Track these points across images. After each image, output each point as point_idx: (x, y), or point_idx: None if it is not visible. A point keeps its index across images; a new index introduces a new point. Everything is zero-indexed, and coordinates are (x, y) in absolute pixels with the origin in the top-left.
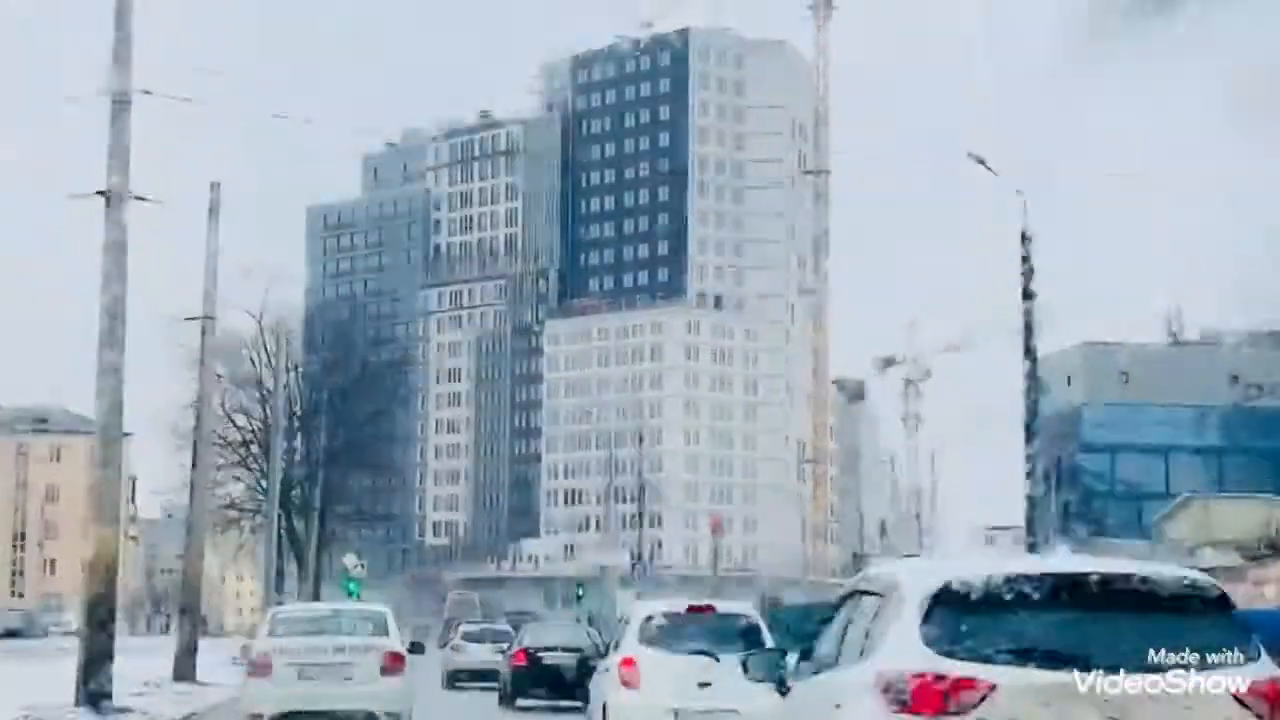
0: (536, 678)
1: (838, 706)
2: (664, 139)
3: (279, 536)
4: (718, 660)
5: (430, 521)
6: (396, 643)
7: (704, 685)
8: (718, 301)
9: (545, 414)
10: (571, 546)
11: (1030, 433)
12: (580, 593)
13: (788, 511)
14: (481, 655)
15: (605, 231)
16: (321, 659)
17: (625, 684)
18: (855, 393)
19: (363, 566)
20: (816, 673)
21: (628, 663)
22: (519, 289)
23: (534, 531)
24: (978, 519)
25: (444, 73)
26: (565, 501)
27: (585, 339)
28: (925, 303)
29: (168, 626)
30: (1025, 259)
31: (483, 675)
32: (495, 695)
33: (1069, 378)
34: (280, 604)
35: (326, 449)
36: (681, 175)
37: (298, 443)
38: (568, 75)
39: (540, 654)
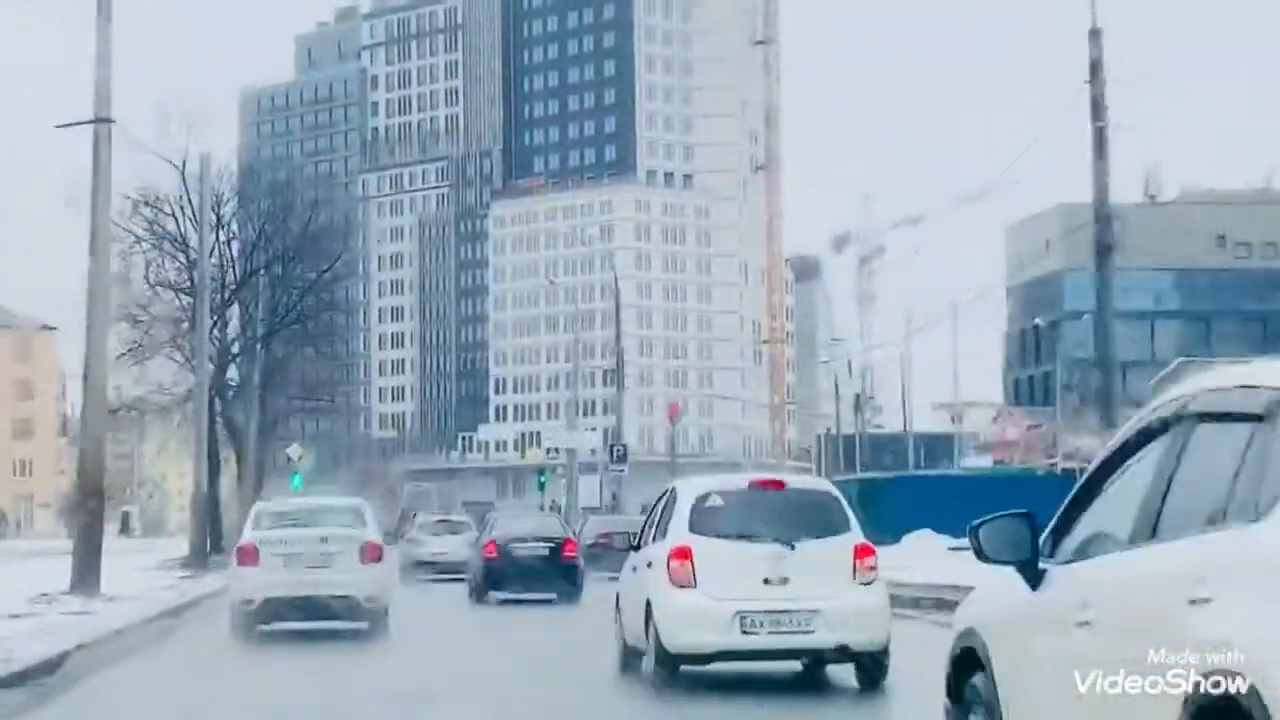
0: (509, 571)
1: None
2: (608, 11)
3: (211, 423)
4: (791, 548)
5: (376, 413)
6: (375, 533)
7: (775, 580)
8: (668, 178)
9: (492, 299)
10: (524, 435)
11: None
12: (543, 480)
13: (744, 394)
14: (441, 547)
15: (549, 109)
16: (305, 549)
17: (676, 581)
18: (810, 270)
19: (307, 457)
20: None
21: (680, 553)
22: (461, 171)
23: (484, 420)
24: (947, 395)
25: None
26: (515, 389)
27: (531, 220)
28: (883, 176)
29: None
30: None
31: (444, 567)
32: (463, 588)
33: (1046, 242)
34: (209, 497)
35: (265, 322)
36: (627, 49)
37: (232, 315)
38: None
39: (512, 545)
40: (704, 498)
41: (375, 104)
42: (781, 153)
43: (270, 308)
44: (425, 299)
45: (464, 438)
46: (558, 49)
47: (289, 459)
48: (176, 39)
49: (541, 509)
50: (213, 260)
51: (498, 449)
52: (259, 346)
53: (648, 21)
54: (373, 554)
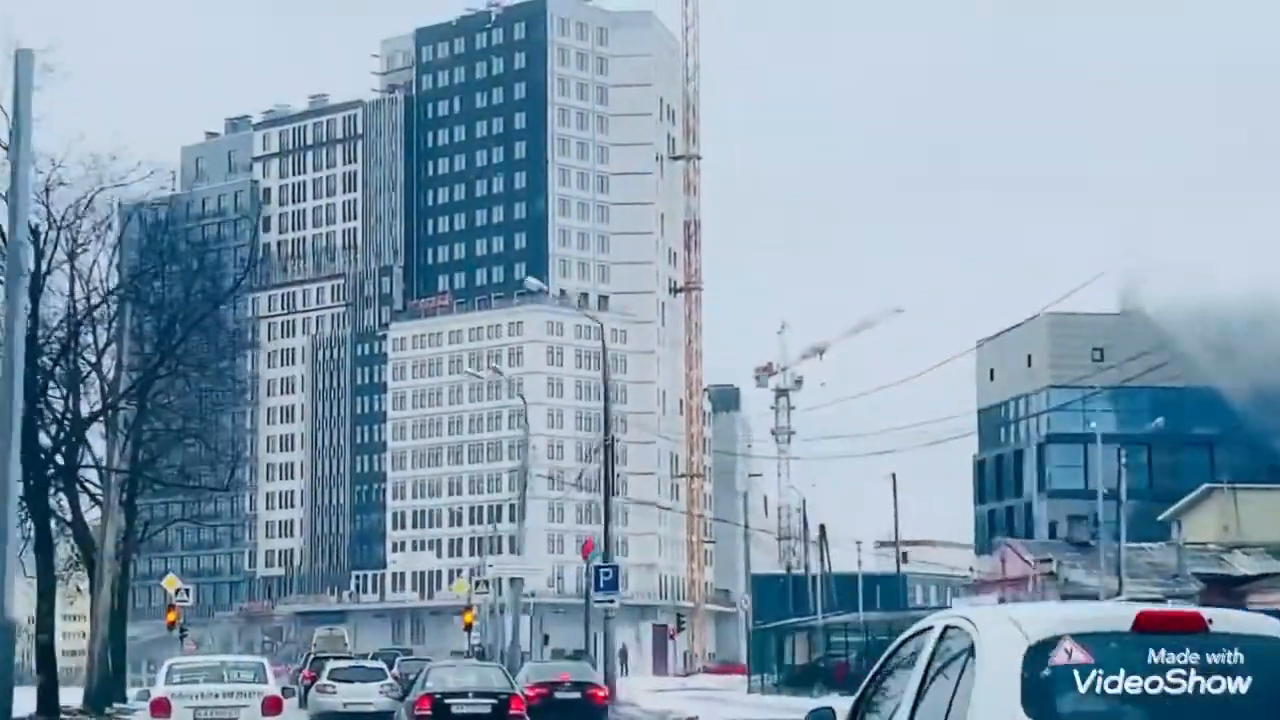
0: None
1: None
2: (519, 121)
3: (44, 517)
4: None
5: (263, 549)
6: (275, 688)
7: None
8: (582, 299)
9: (390, 427)
10: (422, 575)
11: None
12: (473, 624)
13: (661, 530)
14: (355, 696)
15: (455, 224)
16: (213, 702)
17: None
18: (729, 401)
19: (186, 592)
20: None
21: None
22: (359, 289)
23: (379, 559)
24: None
25: (272, 51)
26: (414, 524)
27: (434, 343)
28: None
29: None
30: None
31: (359, 717)
32: None
33: (1029, 357)
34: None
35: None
36: (539, 161)
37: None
38: (410, 51)
39: (450, 702)
40: (1045, 650)
41: (267, 218)
42: (703, 273)
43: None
44: (318, 426)
45: (358, 577)
46: (464, 160)
47: (167, 593)
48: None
49: (476, 657)
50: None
51: (395, 587)
52: (121, 422)
53: (561, 132)
54: (273, 706)
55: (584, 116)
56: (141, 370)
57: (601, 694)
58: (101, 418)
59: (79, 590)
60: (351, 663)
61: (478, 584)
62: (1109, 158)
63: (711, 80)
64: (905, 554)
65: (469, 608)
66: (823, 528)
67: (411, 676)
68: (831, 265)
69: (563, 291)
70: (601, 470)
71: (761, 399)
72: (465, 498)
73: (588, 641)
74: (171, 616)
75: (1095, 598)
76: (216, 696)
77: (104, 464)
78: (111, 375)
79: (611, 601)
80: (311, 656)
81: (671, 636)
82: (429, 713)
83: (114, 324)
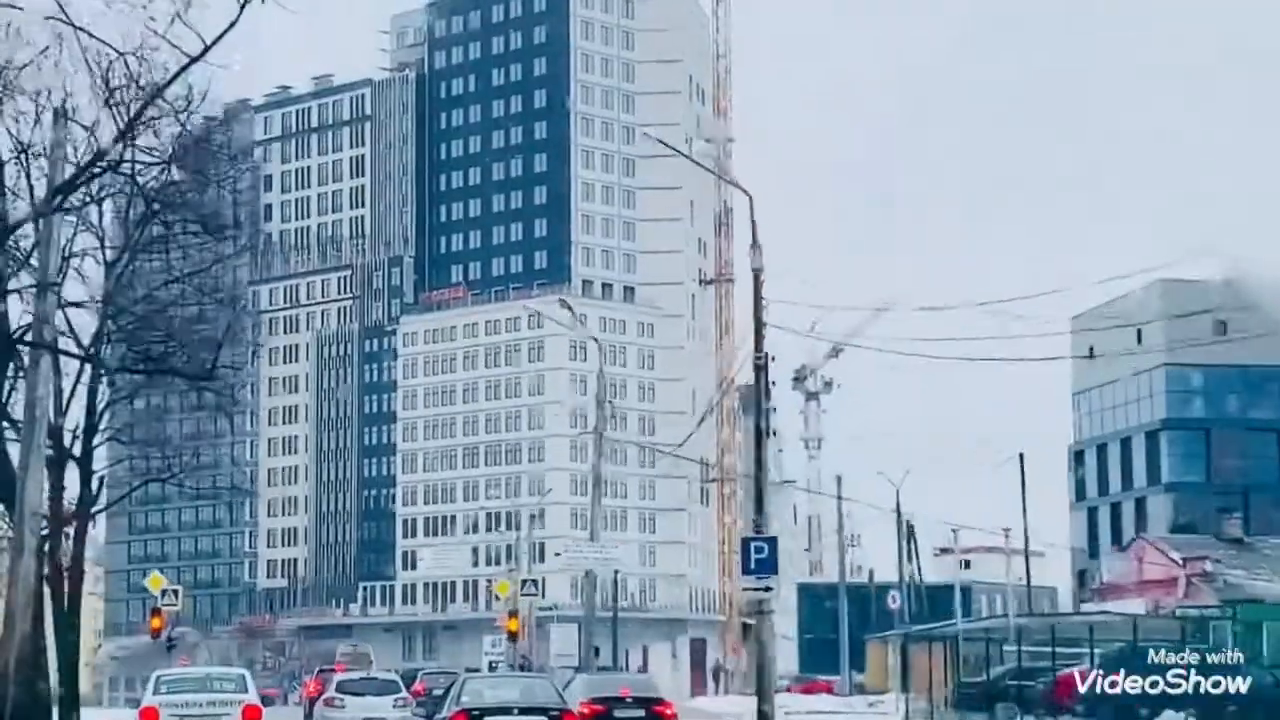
0: None
1: None
2: (539, 99)
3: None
4: None
5: (264, 559)
6: (255, 697)
7: None
8: (606, 290)
9: (400, 428)
10: (436, 587)
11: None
12: (517, 632)
13: (691, 539)
14: (366, 710)
15: (470, 211)
16: (197, 710)
17: None
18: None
19: (175, 595)
20: None
21: None
22: (367, 281)
23: (388, 569)
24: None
25: (273, 29)
26: (427, 531)
27: (448, 337)
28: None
29: None
30: None
31: None
32: None
33: (1139, 332)
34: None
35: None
36: (561, 142)
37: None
38: (422, 26)
39: (489, 719)
40: None
41: (269, 206)
42: (734, 264)
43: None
44: (322, 428)
45: (366, 588)
46: (480, 141)
47: (157, 596)
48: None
49: (511, 667)
50: None
51: (406, 600)
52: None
53: (585, 110)
54: (251, 715)
55: (609, 95)
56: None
57: (670, 711)
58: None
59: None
60: (362, 674)
61: (523, 584)
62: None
63: (744, 57)
64: (967, 561)
65: (513, 614)
66: (911, 527)
67: (439, 691)
68: (876, 252)
69: (587, 281)
70: (752, 443)
71: (793, 402)
72: (483, 503)
73: (615, 653)
74: (156, 623)
75: (1260, 602)
76: (200, 705)
77: (38, 336)
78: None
79: (768, 589)
80: (319, 668)
81: (734, 651)
82: None
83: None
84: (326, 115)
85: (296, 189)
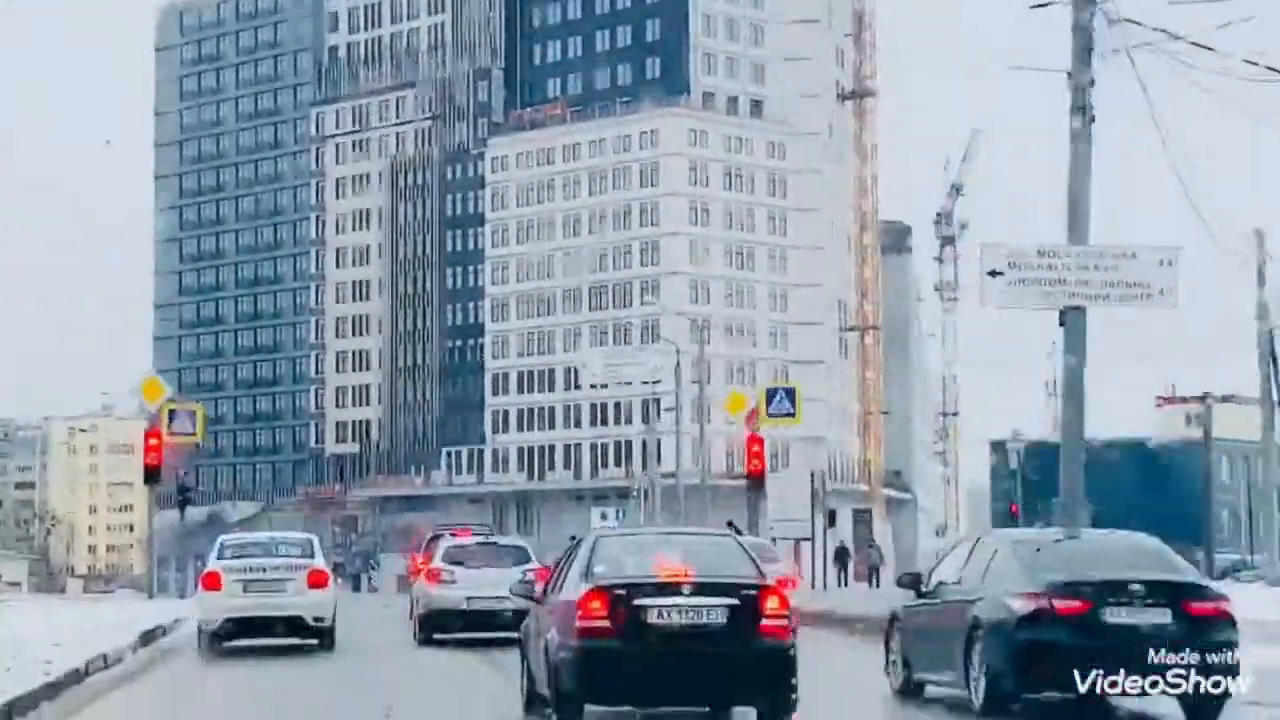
0: (641, 656)
1: None
2: None
3: None
4: None
5: (332, 421)
6: (321, 562)
7: None
8: (731, 104)
9: (489, 269)
10: (531, 451)
11: None
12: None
13: (830, 396)
14: (483, 588)
15: (570, 12)
16: (261, 575)
17: None
18: (899, 241)
19: (190, 418)
20: None
21: None
22: (449, 100)
23: (476, 432)
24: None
25: None
26: (521, 388)
27: (544, 161)
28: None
29: None
30: None
31: (487, 621)
32: (505, 678)
33: None
34: None
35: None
36: None
37: None
38: None
39: (647, 604)
40: None
41: (334, 15)
42: (877, 78)
43: None
44: (398, 269)
45: (450, 454)
46: None
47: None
48: None
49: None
50: None
51: (497, 467)
52: None
53: None
54: (316, 579)
55: None
56: None
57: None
58: None
59: None
60: (478, 539)
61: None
62: None
63: None
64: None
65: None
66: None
67: (550, 563)
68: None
69: (708, 94)
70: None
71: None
72: (585, 353)
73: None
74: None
75: None
76: (264, 570)
77: None
78: None
79: None
80: (430, 533)
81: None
82: (604, 622)
83: None
84: None
85: None
